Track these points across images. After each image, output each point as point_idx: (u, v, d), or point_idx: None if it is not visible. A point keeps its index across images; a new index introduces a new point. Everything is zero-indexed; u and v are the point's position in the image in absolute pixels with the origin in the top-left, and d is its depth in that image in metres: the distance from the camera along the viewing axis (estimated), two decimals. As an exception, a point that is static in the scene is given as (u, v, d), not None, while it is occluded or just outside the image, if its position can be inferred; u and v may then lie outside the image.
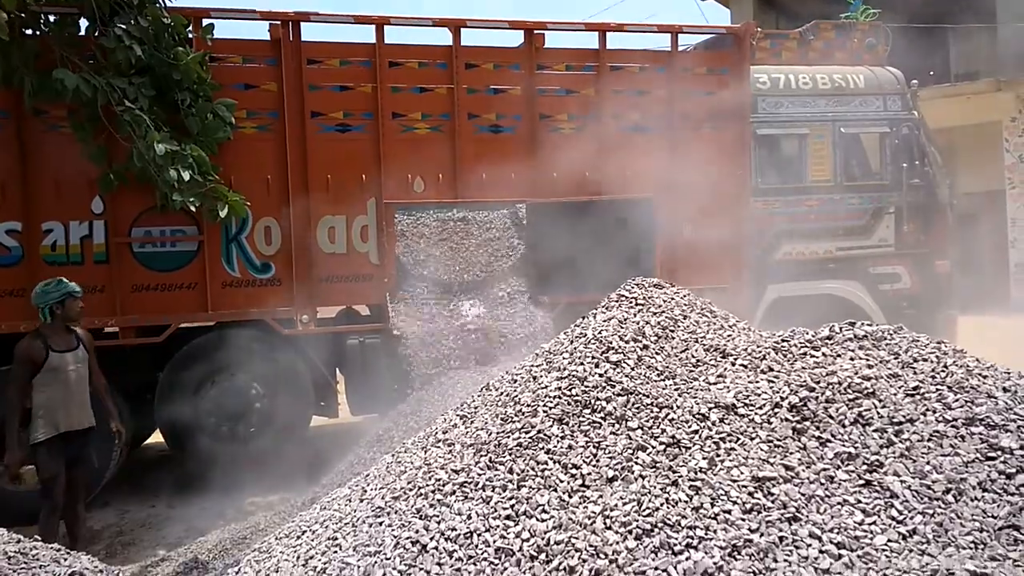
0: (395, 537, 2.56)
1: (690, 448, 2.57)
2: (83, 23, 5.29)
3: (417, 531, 2.53)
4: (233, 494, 5.72)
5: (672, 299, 3.50)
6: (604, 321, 3.28)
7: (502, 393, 3.26)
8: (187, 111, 5.40)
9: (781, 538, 2.26)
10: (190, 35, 5.65)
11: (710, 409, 2.71)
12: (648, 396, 2.80)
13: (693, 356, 3.06)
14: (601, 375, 2.92)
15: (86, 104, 4.99)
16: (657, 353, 3.08)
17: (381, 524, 2.72)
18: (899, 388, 2.72)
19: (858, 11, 7.83)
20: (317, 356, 6.21)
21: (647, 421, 2.70)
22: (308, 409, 6.27)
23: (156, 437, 7.17)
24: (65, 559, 2.80)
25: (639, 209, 6.39)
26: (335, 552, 2.76)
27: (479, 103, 6.40)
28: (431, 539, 2.48)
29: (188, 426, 5.94)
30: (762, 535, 2.26)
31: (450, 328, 6.17)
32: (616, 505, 2.41)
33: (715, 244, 6.77)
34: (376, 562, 2.48)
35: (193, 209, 5.25)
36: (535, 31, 6.44)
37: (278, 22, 5.92)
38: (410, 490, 2.83)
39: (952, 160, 7.93)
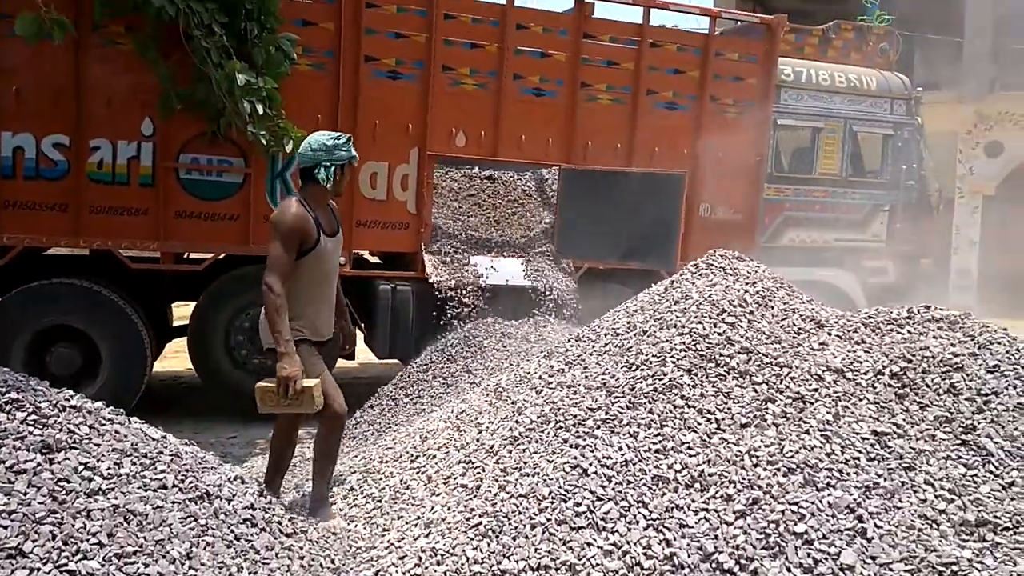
0: (551, 461, 2.84)
1: (814, 403, 2.93)
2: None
3: (574, 457, 2.81)
4: (251, 424, 5.83)
5: (757, 272, 3.84)
6: (707, 286, 3.59)
7: (609, 345, 3.55)
8: (253, 42, 5.40)
9: (903, 483, 2.64)
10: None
11: (823, 371, 3.07)
12: (767, 355, 3.14)
13: (794, 325, 3.41)
14: (720, 334, 3.24)
15: (162, 23, 4.94)
16: (761, 319, 3.41)
17: (525, 451, 2.99)
18: (980, 365, 3.13)
19: (874, 16, 8.26)
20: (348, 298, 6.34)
21: (771, 377, 3.04)
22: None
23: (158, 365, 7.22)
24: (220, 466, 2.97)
25: (669, 184, 6.69)
26: (476, 472, 3.03)
27: (525, 65, 6.56)
28: (590, 464, 2.77)
29: (220, 354, 6.03)
30: (887, 479, 2.64)
31: (481, 281, 6.40)
32: (759, 447, 2.74)
33: (730, 224, 7.18)
34: (538, 481, 2.76)
35: (263, 143, 5.29)
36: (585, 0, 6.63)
37: (342, -39, 5.94)
38: (544, 424, 3.11)
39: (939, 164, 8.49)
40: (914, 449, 2.77)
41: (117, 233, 5.65)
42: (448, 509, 2.87)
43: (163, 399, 6.73)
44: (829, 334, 3.37)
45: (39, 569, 1.91)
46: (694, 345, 3.19)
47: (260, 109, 5.10)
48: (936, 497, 2.60)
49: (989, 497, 2.60)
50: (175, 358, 8.04)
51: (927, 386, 3.03)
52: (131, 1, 4.86)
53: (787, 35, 7.60)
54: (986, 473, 2.70)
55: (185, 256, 6.20)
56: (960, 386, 3.03)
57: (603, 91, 6.80)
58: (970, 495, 2.61)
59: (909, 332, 3.36)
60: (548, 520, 2.61)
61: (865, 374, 3.08)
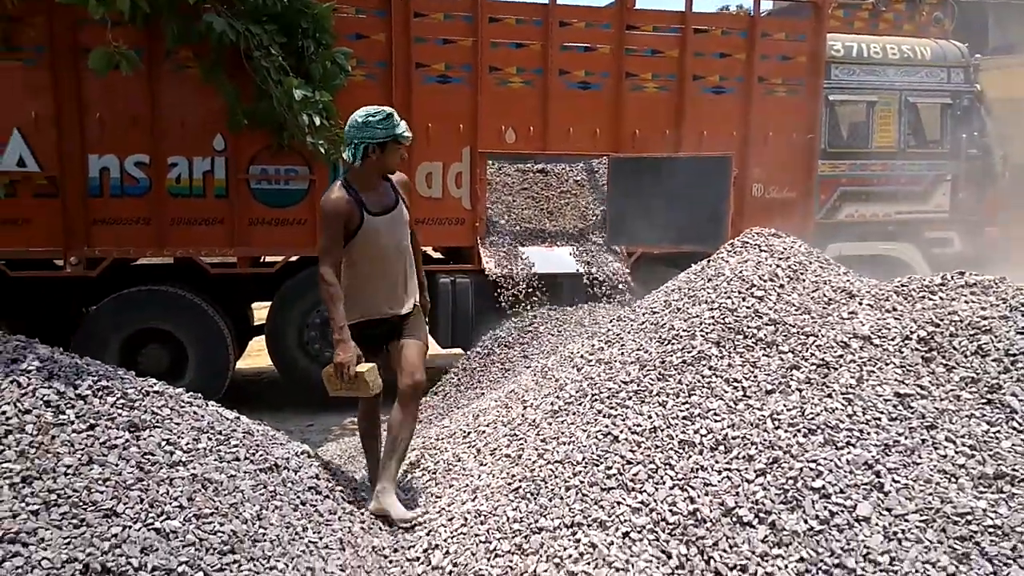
0: (585, 431, 3.05)
1: (838, 369, 3.04)
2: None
3: (606, 426, 3.02)
4: (327, 413, 6.22)
5: (792, 247, 3.94)
6: (739, 263, 3.72)
7: (645, 323, 3.72)
8: (310, 58, 5.77)
9: (923, 440, 2.74)
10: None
11: (850, 338, 3.17)
12: (794, 326, 3.26)
13: (824, 296, 3.51)
14: (748, 307, 3.38)
15: (226, 47, 5.35)
16: (791, 292, 3.53)
17: (563, 422, 3.21)
18: (1010, 327, 3.17)
19: (927, -15, 8.09)
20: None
21: (797, 346, 3.17)
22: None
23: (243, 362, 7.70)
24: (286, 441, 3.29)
25: (716, 166, 6.76)
26: (520, 443, 3.26)
27: (570, 60, 6.75)
28: (620, 432, 2.97)
29: (295, 350, 6.45)
30: (908, 437, 2.74)
31: (533, 270, 6.63)
32: (781, 411, 2.88)
33: (784, 203, 7.19)
34: (573, 448, 2.97)
35: (322, 152, 5.65)
36: (626, -9, 6.77)
37: (391, -25, 6.26)
38: (581, 397, 3.32)
39: (1008, 132, 8.22)
40: (937, 409, 2.86)
41: (197, 242, 6.13)
42: (492, 476, 3.11)
43: (247, 394, 7.21)
44: (860, 303, 3.45)
45: (130, 527, 2.23)
46: (723, 319, 3.34)
47: (318, 121, 5.46)
48: (956, 453, 2.69)
49: (1009, 452, 2.67)
50: (259, 355, 8.56)
51: (954, 348, 3.09)
52: (196, 29, 5.27)
53: (836, 11, 7.55)
54: (1009, 429, 2.77)
55: (261, 260, 6.64)
56: (988, 348, 3.08)
57: (649, 80, 6.92)
58: (991, 450, 2.68)
59: (941, 298, 3.42)
60: (581, 483, 2.81)
61: (892, 340, 3.16)
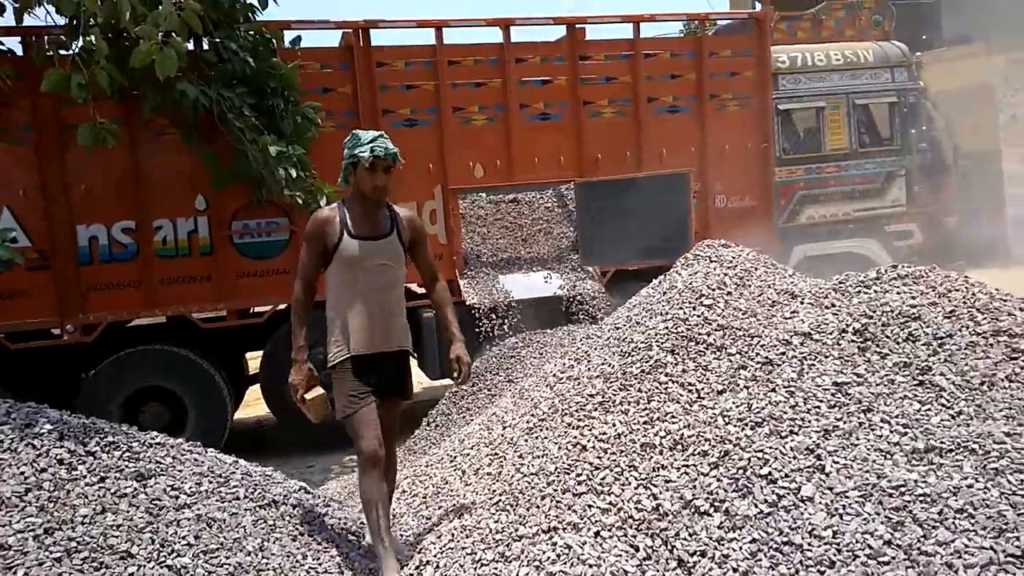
0: (556, 443, 3.31)
1: (781, 365, 3.31)
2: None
3: (574, 437, 3.28)
4: (328, 453, 6.45)
5: (739, 256, 4.23)
6: (690, 275, 4.01)
7: (609, 338, 4.00)
8: (281, 115, 6.07)
9: (860, 423, 3.01)
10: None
11: (791, 336, 3.45)
12: (740, 329, 3.54)
13: (768, 299, 3.80)
14: (698, 315, 3.66)
15: (200, 113, 5.65)
16: (739, 298, 3.81)
17: (538, 437, 3.46)
18: (938, 312, 3.46)
19: (862, -11, 8.50)
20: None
21: (743, 347, 3.44)
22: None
23: (242, 412, 7.91)
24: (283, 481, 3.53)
25: (675, 183, 7.09)
26: (499, 461, 3.52)
27: (529, 94, 7.08)
28: (588, 441, 3.23)
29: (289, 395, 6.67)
30: (845, 422, 3.01)
31: (510, 298, 6.90)
32: (730, 408, 3.15)
33: (746, 211, 7.51)
34: (546, 460, 3.23)
35: (300, 202, 5.94)
36: (576, 25, 7.12)
37: (350, 30, 6.60)
38: (553, 413, 3.58)
39: (950, 122, 8.60)
40: (872, 394, 3.13)
41: (187, 299, 6.39)
42: (476, 493, 3.36)
43: (248, 441, 7.42)
44: (801, 302, 3.74)
45: (144, 565, 2.47)
46: (676, 328, 3.61)
47: (293, 173, 5.74)
48: (891, 432, 2.96)
49: (939, 427, 2.95)
50: (256, 404, 8.78)
51: (887, 337, 3.38)
52: (171, 96, 5.57)
53: (778, 24, 7.95)
54: (938, 406, 3.05)
55: (250, 311, 6.89)
56: (918, 333, 3.37)
57: (605, 106, 7.26)
58: (922, 427, 2.96)
59: (875, 291, 3.71)
60: (555, 491, 3.07)
61: (831, 334, 3.44)
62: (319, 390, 3.19)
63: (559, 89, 7.14)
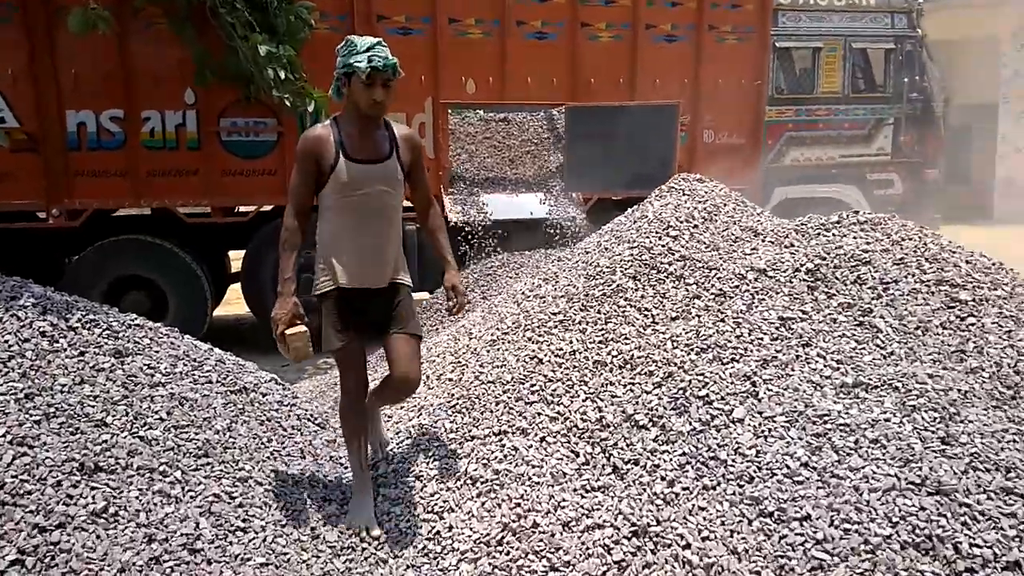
0: (515, 355, 3.51)
1: (733, 298, 3.49)
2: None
3: (532, 351, 3.47)
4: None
5: (712, 191, 4.35)
6: (661, 206, 4.14)
7: (578, 261, 4.15)
8: (275, 12, 6.02)
9: (797, 356, 3.20)
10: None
11: (747, 271, 3.61)
12: (700, 261, 3.70)
13: (732, 234, 3.95)
14: (663, 245, 3.81)
15: (192, 4, 5.60)
16: (704, 232, 3.96)
17: (499, 349, 3.66)
18: (889, 259, 3.63)
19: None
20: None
21: (700, 279, 3.61)
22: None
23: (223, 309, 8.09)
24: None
25: (664, 114, 7.11)
26: (461, 368, 3.72)
27: (527, 11, 7.02)
28: (544, 355, 3.42)
29: (269, 295, 6.84)
30: (784, 354, 3.21)
31: (492, 217, 7.02)
32: (680, 334, 3.34)
33: (734, 148, 7.58)
34: (504, 370, 3.43)
35: (288, 105, 5.96)
36: (581, -59, 7.00)
37: (350, -74, 6.49)
38: (516, 327, 3.77)
39: (950, 73, 8.62)
40: (814, 330, 3.32)
41: (172, 193, 6.47)
42: (436, 397, 3.57)
43: (226, 338, 7.63)
44: (763, 240, 3.89)
45: (118, 434, 2.67)
46: (640, 256, 3.77)
47: (283, 75, 5.75)
48: (825, 367, 3.16)
49: (869, 365, 3.15)
50: (238, 303, 8.96)
51: (836, 279, 3.55)
52: (164, -13, 5.52)
53: (784, -42, 7.82)
54: (873, 346, 3.24)
55: (235, 210, 6.98)
56: (866, 277, 3.54)
57: (603, 29, 7.21)
58: (854, 364, 3.16)
59: (833, 235, 3.86)
60: (509, 399, 3.28)
61: (784, 272, 3.61)
62: (302, 327, 2.84)
63: (558, 8, 7.07)
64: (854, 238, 3.79)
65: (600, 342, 3.42)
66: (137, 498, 2.41)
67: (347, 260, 2.90)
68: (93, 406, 2.71)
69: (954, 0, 14.54)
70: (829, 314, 3.41)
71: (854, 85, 7.95)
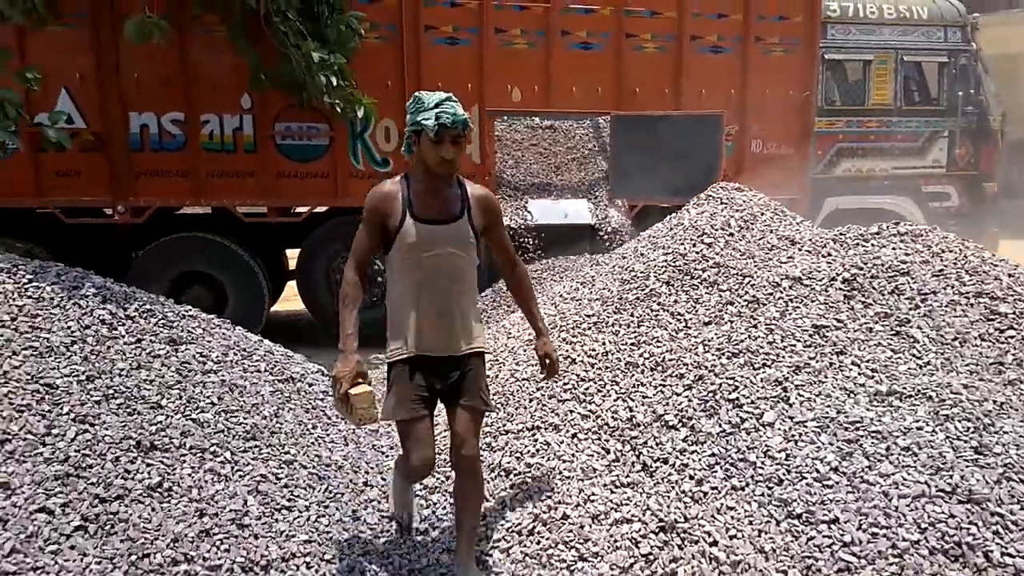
0: (550, 355, 3.59)
1: (766, 304, 3.52)
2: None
3: (566, 351, 3.55)
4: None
5: (750, 200, 4.38)
6: (698, 214, 4.19)
7: (614, 266, 4.23)
8: (326, 22, 6.23)
9: (831, 364, 3.22)
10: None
11: (782, 279, 3.64)
12: (734, 268, 3.74)
13: (768, 243, 3.97)
14: (697, 252, 3.86)
15: (247, 13, 5.83)
16: (740, 240, 3.99)
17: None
18: (928, 270, 3.62)
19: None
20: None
21: (734, 285, 3.65)
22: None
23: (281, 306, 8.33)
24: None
25: (709, 124, 7.13)
26: (499, 367, 3.82)
27: (572, 21, 7.12)
28: (578, 355, 3.50)
29: (323, 292, 7.07)
30: (818, 361, 3.23)
31: (536, 222, 7.13)
32: (711, 338, 3.39)
33: (782, 158, 7.55)
34: (539, 369, 3.51)
35: (339, 111, 6.15)
36: (627, -46, 7.09)
37: (400, -59, 6.67)
38: (553, 328, 3.85)
39: (1008, 88, 8.44)
40: (849, 339, 3.34)
41: (230, 193, 6.72)
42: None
43: (283, 333, 7.87)
44: (800, 249, 3.91)
45: (172, 416, 2.83)
46: (674, 262, 3.83)
47: (334, 81, 5.95)
48: (859, 375, 3.17)
49: (904, 374, 3.15)
50: (295, 299, 9.21)
51: (873, 288, 3.55)
52: (220, -3, 5.77)
53: (834, -30, 7.78)
54: (908, 356, 3.25)
55: (291, 210, 7.21)
56: (904, 287, 3.53)
57: (648, 40, 7.27)
58: (889, 373, 3.17)
59: (872, 245, 3.86)
60: (542, 395, 3.37)
61: (820, 280, 3.63)
62: (367, 387, 2.66)
63: (603, 19, 7.16)
64: (893, 249, 3.78)
65: (632, 344, 3.49)
66: (189, 475, 2.56)
67: (419, 325, 2.72)
68: (149, 389, 2.88)
69: (1007, 16, 14.19)
70: (865, 323, 3.41)
71: (907, 97, 7.85)
